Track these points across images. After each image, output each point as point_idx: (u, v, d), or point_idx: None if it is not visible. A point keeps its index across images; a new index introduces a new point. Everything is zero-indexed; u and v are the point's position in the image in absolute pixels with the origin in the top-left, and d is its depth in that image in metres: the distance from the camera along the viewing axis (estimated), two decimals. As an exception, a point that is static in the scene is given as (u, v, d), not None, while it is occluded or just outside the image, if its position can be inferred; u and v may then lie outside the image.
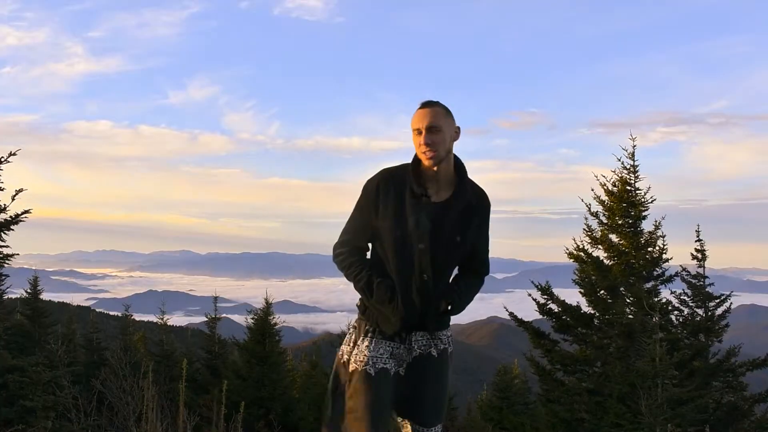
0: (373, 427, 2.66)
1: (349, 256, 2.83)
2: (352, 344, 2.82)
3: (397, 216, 2.69)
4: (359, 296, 2.83)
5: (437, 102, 2.73)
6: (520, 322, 8.40)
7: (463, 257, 2.82)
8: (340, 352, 2.86)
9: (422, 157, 2.68)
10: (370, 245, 2.85)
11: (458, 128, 2.74)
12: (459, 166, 2.78)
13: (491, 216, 2.90)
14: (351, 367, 2.76)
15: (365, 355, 2.74)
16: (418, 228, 2.67)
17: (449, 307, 2.79)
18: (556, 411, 7.74)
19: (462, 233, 2.72)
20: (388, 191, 2.72)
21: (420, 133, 2.67)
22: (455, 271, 2.92)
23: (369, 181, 2.78)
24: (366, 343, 2.76)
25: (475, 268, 2.91)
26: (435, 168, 2.69)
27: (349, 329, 2.92)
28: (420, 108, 2.71)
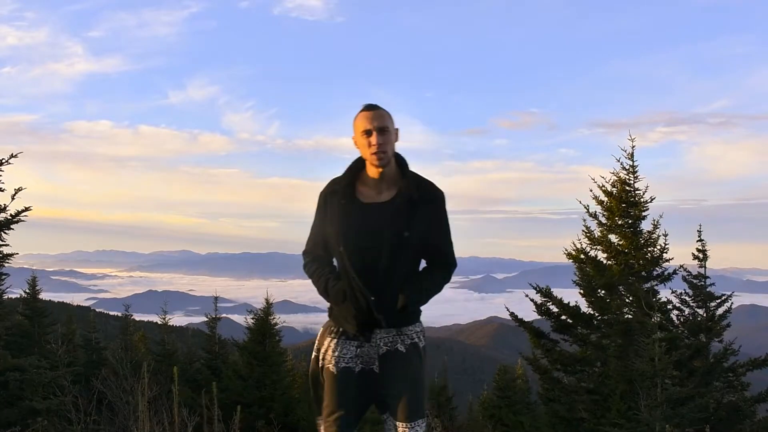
0: (339, 423, 2.77)
1: (311, 263, 2.95)
2: (318, 344, 2.93)
3: (338, 222, 2.78)
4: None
5: (379, 105, 2.82)
6: (520, 322, 8.39)
7: (420, 251, 2.85)
8: (313, 353, 2.96)
9: (372, 158, 2.75)
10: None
11: (398, 130, 2.84)
12: (401, 164, 2.86)
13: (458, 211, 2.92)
14: (319, 364, 2.89)
15: (330, 355, 2.84)
16: (358, 229, 2.76)
17: (406, 303, 2.79)
18: (557, 410, 7.74)
19: (409, 228, 2.74)
20: (333, 200, 2.82)
21: (370, 134, 2.74)
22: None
23: (320, 193, 2.90)
24: (332, 344, 2.86)
25: (438, 261, 2.93)
26: (380, 169, 2.77)
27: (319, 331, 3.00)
28: (365, 110, 2.78)
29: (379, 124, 2.73)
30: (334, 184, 2.86)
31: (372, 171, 2.80)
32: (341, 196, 2.80)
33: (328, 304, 2.92)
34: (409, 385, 2.83)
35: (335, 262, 2.92)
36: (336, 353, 2.82)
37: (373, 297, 2.73)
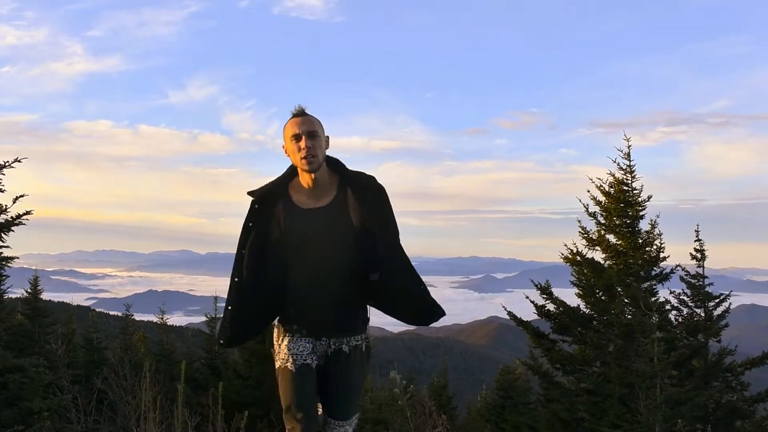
0: (304, 420, 2.78)
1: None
2: (276, 344, 2.94)
3: (278, 227, 2.78)
4: None
5: (307, 111, 2.83)
6: (520, 322, 8.40)
7: (370, 249, 2.78)
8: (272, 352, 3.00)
9: (301, 163, 2.74)
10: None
11: (328, 137, 2.84)
12: (337, 167, 2.86)
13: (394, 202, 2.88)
14: (276, 365, 2.90)
15: (286, 353, 2.86)
16: (299, 236, 2.76)
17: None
18: (556, 411, 7.75)
19: (357, 227, 2.75)
20: (267, 206, 2.82)
21: (299, 138, 2.74)
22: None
23: (249, 208, 2.86)
24: (287, 341, 2.88)
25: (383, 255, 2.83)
26: (312, 175, 2.77)
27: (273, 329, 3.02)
28: (293, 117, 2.81)
29: (308, 128, 2.75)
30: (267, 192, 2.85)
31: (305, 179, 2.80)
32: (282, 201, 2.80)
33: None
34: (344, 386, 2.90)
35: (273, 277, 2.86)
36: (293, 351, 2.84)
37: (327, 303, 2.78)
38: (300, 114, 2.80)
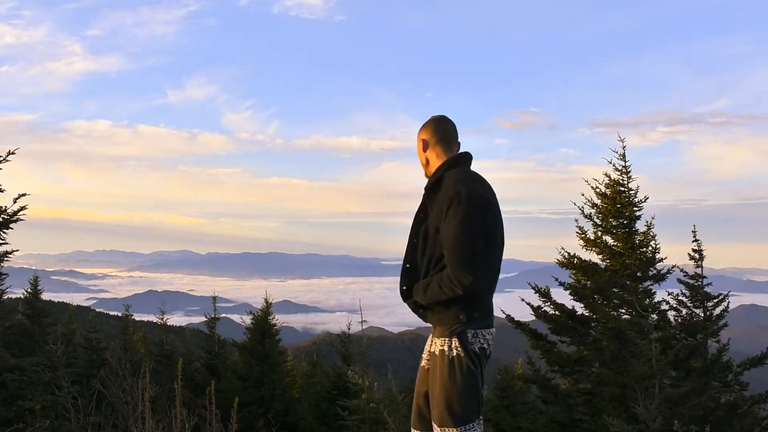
0: (413, 416, 3.07)
1: None
2: None
3: None
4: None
5: (429, 119, 3.15)
6: (516, 324, 8.36)
7: (438, 247, 2.93)
8: None
9: None
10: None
11: (423, 139, 3.09)
12: (446, 167, 3.02)
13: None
14: None
15: None
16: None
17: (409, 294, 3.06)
18: (554, 412, 7.75)
19: (429, 223, 2.95)
20: None
21: None
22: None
23: None
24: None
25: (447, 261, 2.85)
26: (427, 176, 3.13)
27: None
28: None
29: None
30: None
31: None
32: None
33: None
34: (436, 390, 2.85)
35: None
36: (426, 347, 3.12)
37: (405, 287, 3.02)
38: None
